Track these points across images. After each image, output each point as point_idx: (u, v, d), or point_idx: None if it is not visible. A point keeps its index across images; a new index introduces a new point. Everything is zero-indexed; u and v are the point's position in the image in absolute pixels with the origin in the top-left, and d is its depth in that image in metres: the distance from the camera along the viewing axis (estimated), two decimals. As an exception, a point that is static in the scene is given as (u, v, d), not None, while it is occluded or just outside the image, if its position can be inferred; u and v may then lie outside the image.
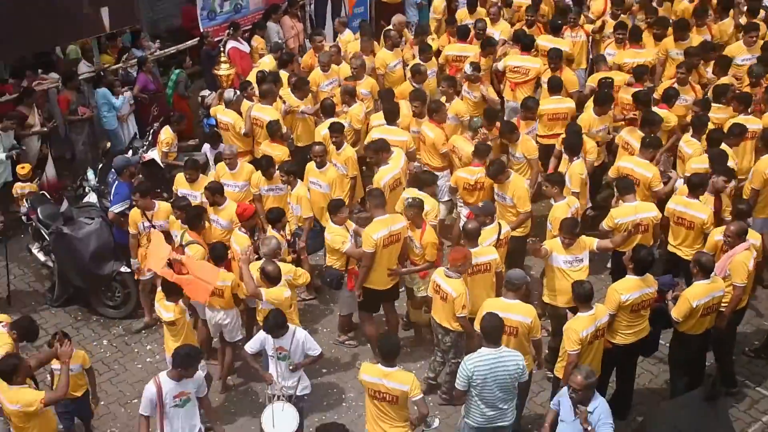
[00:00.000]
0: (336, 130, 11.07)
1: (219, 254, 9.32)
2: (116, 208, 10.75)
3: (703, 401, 7.75)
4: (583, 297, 8.21)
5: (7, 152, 12.13)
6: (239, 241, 9.73)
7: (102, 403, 9.31)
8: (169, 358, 8.76)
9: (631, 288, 8.45)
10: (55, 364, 8.26)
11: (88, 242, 10.43)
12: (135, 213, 10.25)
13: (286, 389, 8.43)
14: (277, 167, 10.69)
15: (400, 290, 10.06)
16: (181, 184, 10.92)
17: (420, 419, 7.89)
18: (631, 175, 10.28)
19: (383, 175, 10.62)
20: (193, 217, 9.85)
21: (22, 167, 11.91)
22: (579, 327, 8.09)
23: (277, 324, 8.21)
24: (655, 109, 11.34)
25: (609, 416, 7.40)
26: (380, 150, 10.79)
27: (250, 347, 8.55)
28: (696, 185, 9.66)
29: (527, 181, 10.72)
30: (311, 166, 10.92)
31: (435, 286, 8.93)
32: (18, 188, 11.87)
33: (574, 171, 10.48)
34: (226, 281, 9.17)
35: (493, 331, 7.75)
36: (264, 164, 10.81)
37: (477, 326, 8.16)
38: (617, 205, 9.91)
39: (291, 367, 8.34)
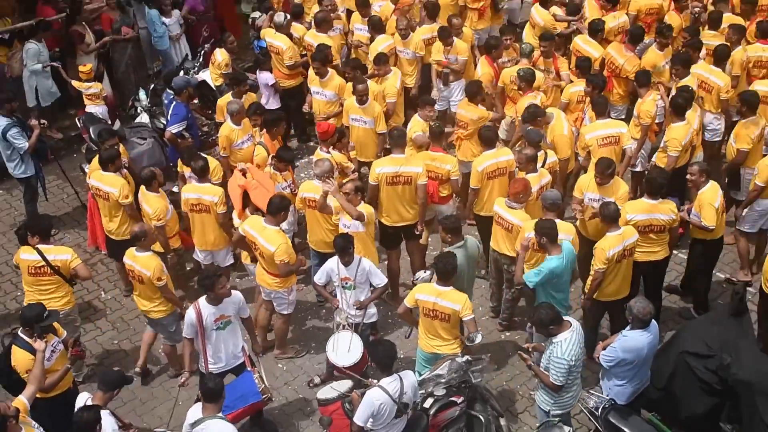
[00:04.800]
0: None
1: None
2: (174, 128, 10.91)
3: (730, 317, 8.03)
4: (610, 217, 8.46)
5: (43, 64, 12.21)
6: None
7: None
8: None
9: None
10: None
11: (140, 162, 10.60)
12: None
13: (353, 317, 8.57)
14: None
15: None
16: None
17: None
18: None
19: None
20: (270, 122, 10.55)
21: (84, 65, 11.95)
22: (607, 246, 8.38)
23: (344, 247, 8.37)
24: None
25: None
26: None
27: (318, 278, 8.72)
28: None
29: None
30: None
31: (497, 217, 9.11)
32: (79, 86, 11.87)
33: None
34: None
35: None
36: None
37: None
38: None
39: (355, 305, 8.48)
